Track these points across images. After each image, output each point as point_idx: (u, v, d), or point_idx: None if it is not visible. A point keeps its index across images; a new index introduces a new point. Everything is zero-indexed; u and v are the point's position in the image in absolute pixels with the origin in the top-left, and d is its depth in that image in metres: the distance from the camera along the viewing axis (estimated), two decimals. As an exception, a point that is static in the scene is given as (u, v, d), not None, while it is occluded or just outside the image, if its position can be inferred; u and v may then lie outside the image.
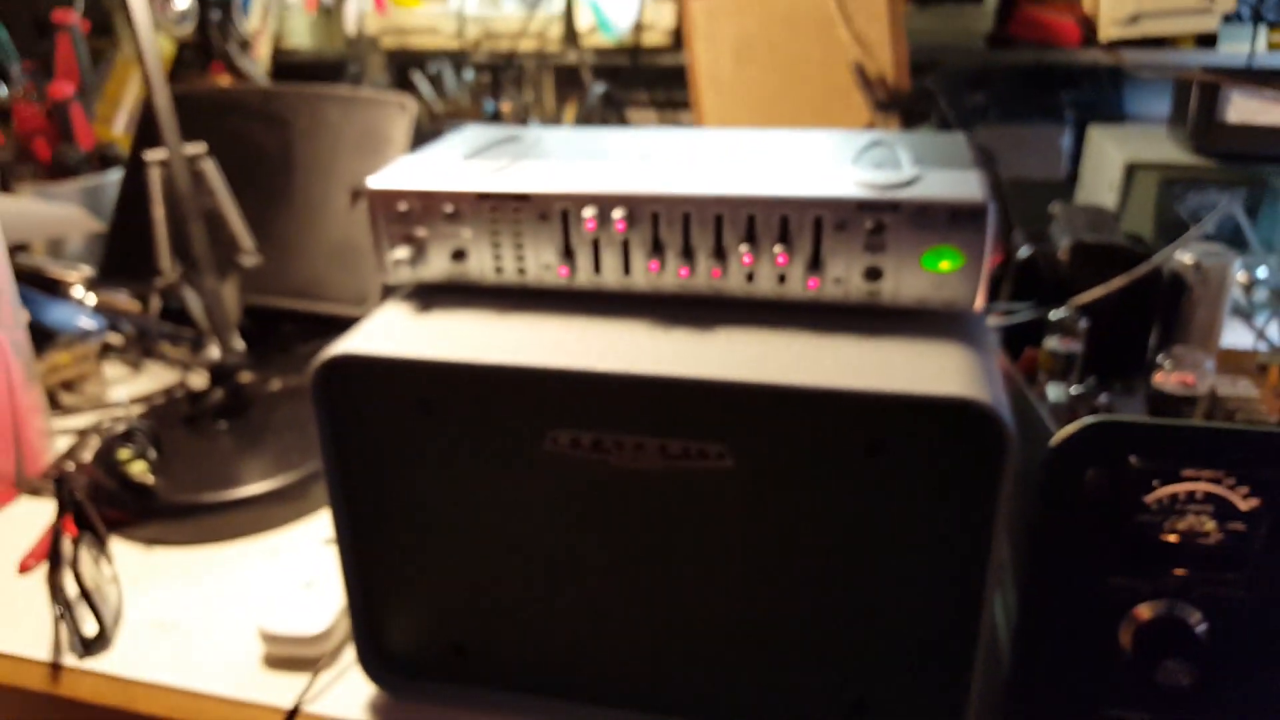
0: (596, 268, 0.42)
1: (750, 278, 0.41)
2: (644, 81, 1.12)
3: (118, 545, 0.60)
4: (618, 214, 0.40)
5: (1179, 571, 0.36)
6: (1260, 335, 0.69)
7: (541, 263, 0.43)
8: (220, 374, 0.68)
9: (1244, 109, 0.79)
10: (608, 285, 0.42)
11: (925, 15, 0.98)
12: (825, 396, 0.37)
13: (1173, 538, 0.36)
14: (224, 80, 1.01)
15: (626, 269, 0.42)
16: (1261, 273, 0.80)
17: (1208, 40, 0.97)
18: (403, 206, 0.42)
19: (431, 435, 0.42)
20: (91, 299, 0.84)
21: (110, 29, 1.20)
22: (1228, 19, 0.98)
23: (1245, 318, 0.77)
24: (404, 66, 1.15)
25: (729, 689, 0.44)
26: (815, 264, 0.40)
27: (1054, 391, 0.55)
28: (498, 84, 1.02)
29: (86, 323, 0.81)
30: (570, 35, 1.06)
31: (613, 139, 0.50)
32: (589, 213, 0.40)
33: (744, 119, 0.83)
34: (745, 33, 0.82)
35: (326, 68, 1.22)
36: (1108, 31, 0.96)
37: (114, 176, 0.94)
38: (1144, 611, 0.37)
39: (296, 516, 0.62)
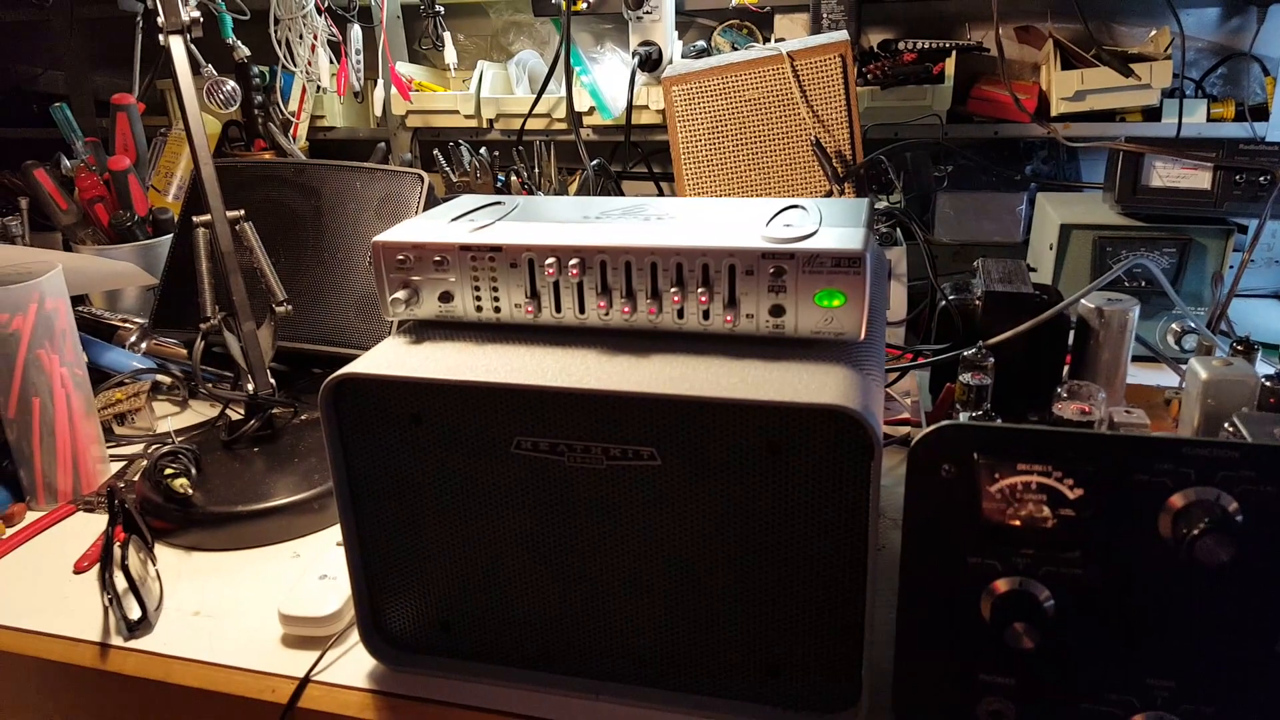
0: (557, 307, 0.52)
1: (680, 314, 0.50)
2: (638, 155, 1.24)
3: (162, 551, 0.69)
4: (573, 262, 0.50)
5: (1026, 551, 0.44)
6: (1184, 378, 0.77)
7: (513, 303, 0.52)
8: (255, 406, 0.78)
9: (1165, 174, 0.88)
10: (566, 322, 0.52)
11: (890, 95, 1.08)
12: (733, 406, 0.46)
13: (1016, 522, 0.44)
14: (265, 155, 1.13)
15: (581, 308, 0.51)
16: (1191, 324, 0.88)
17: (1153, 114, 1.07)
18: (401, 257, 0.52)
19: (420, 443, 0.51)
20: (143, 345, 0.95)
21: (164, 109, 1.34)
22: (1172, 94, 1.07)
23: (1174, 364, 0.84)
24: (428, 143, 1.27)
25: (666, 659, 0.52)
26: (731, 303, 0.49)
27: (964, 419, 0.63)
28: (509, 158, 1.13)
29: (138, 365, 0.92)
30: (573, 115, 1.18)
31: (577, 204, 0.60)
32: (549, 261, 0.50)
33: (717, 188, 0.94)
34: (718, 113, 0.93)
35: (359, 144, 1.36)
36: (1059, 107, 1.06)
37: (166, 239, 1.06)
38: (999, 587, 0.45)
39: (317, 527, 0.71)
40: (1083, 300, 0.70)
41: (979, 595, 0.46)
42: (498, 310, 0.53)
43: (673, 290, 0.49)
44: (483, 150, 1.12)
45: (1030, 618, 0.44)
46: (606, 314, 0.51)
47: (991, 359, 0.65)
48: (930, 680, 0.48)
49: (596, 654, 0.53)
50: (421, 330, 0.55)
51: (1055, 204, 0.98)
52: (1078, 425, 0.60)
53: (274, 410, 0.79)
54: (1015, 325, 0.68)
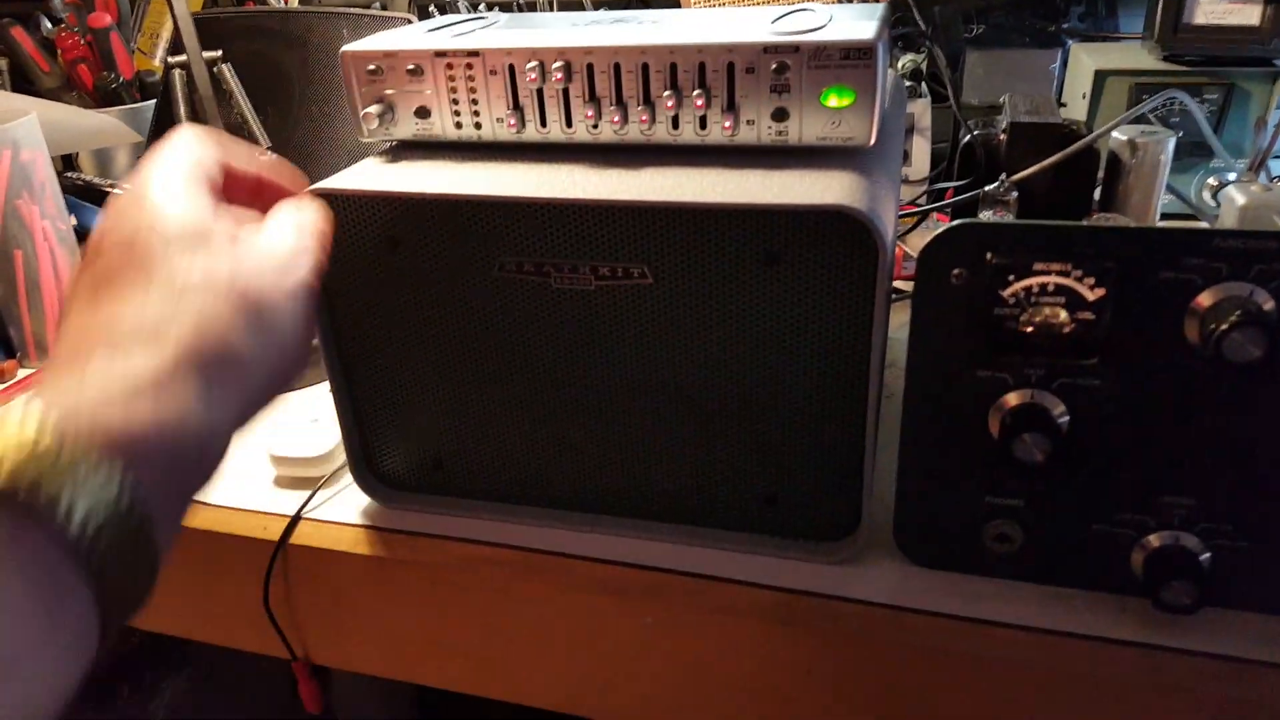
0: (542, 121, 0.48)
1: (674, 124, 0.46)
2: None
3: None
4: (556, 66, 0.46)
5: (1039, 362, 0.42)
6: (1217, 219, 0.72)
7: (494, 117, 0.49)
8: (243, 262, 0.76)
9: (1211, 10, 0.81)
10: (553, 137, 0.48)
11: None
12: (729, 213, 0.43)
13: (1030, 329, 0.41)
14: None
15: (568, 121, 0.48)
16: (1231, 176, 0.83)
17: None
18: (372, 67, 0.49)
19: (400, 268, 0.48)
20: (133, 209, 0.92)
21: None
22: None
23: (1211, 219, 0.80)
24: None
25: (661, 486, 0.50)
26: (730, 107, 0.45)
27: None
28: (507, 10, 1.08)
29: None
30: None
31: (565, 16, 0.56)
32: (531, 66, 0.46)
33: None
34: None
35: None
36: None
37: (153, 103, 1.02)
38: (1010, 400, 0.42)
39: (311, 380, 0.69)
40: (1114, 133, 0.66)
41: (987, 412, 0.43)
42: (479, 126, 0.49)
43: (666, 95, 0.45)
44: (481, 6, 1.06)
45: (1042, 432, 0.41)
46: (595, 126, 0.47)
47: (1015, 193, 0.61)
48: (934, 505, 0.46)
49: (591, 486, 0.52)
50: (399, 151, 0.51)
51: (1091, 53, 0.91)
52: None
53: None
54: (1042, 159, 0.64)
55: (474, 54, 0.47)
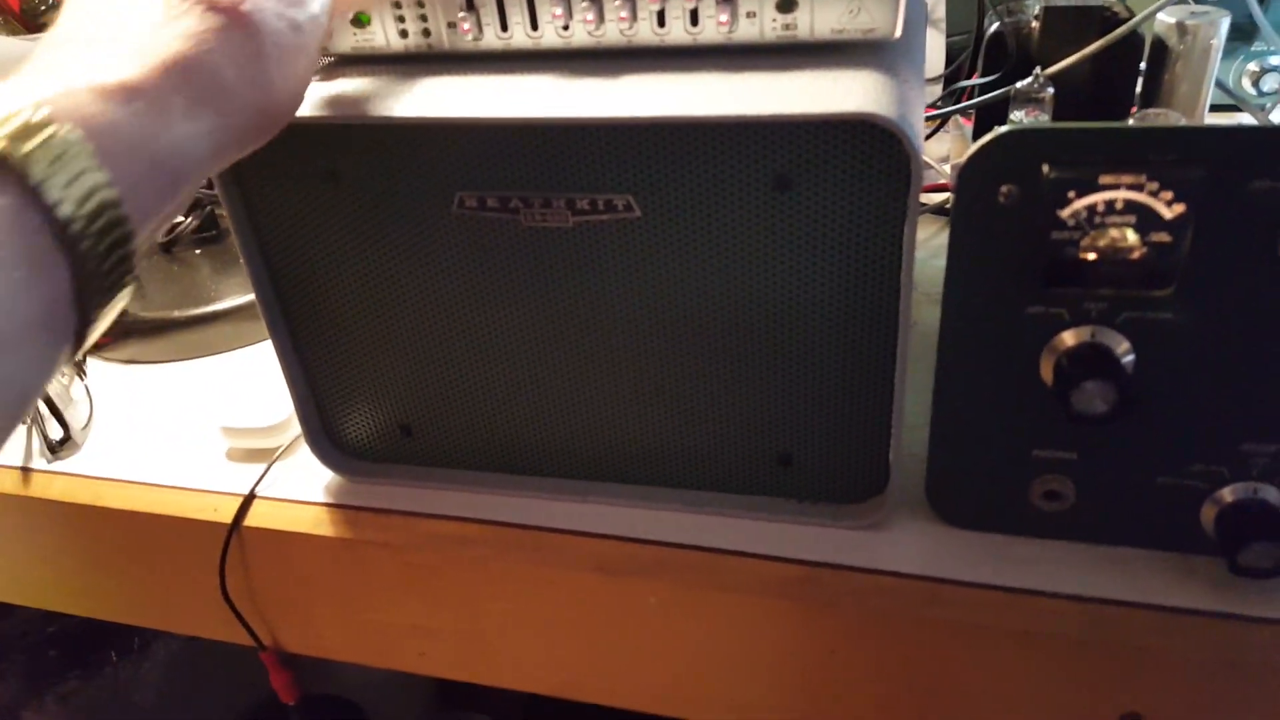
0: (503, 25, 0.40)
1: (660, 20, 0.39)
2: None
3: (97, 365, 0.61)
4: (516, -44, 0.38)
5: (1102, 294, 0.35)
6: (1265, 124, 0.65)
7: (445, 21, 0.41)
8: (192, 203, 0.68)
9: None
10: (516, 44, 0.41)
11: None
12: (728, 127, 0.35)
13: (1093, 255, 0.34)
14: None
15: (533, 23, 0.40)
16: (1274, 60, 0.75)
17: None
18: (299, -32, 0.41)
19: (342, 207, 0.41)
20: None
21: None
22: None
23: (1253, 108, 0.72)
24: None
25: (659, 451, 0.44)
26: (725, -3, 0.38)
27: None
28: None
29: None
30: None
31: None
32: (486, -43, 0.38)
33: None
34: None
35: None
36: None
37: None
38: (1066, 340, 0.36)
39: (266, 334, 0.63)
40: (1159, 15, 0.58)
41: (1039, 353, 0.37)
42: (427, 34, 0.41)
43: (647, -15, 0.38)
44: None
45: (1105, 376, 0.35)
46: (566, 28, 0.40)
47: (1051, 89, 0.53)
48: (972, 459, 0.40)
49: (581, 451, 0.45)
50: (335, 68, 0.44)
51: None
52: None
53: (216, 207, 0.69)
54: (1079, 48, 0.55)
55: (415, -56, 0.39)
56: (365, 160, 0.40)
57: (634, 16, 0.39)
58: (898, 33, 0.37)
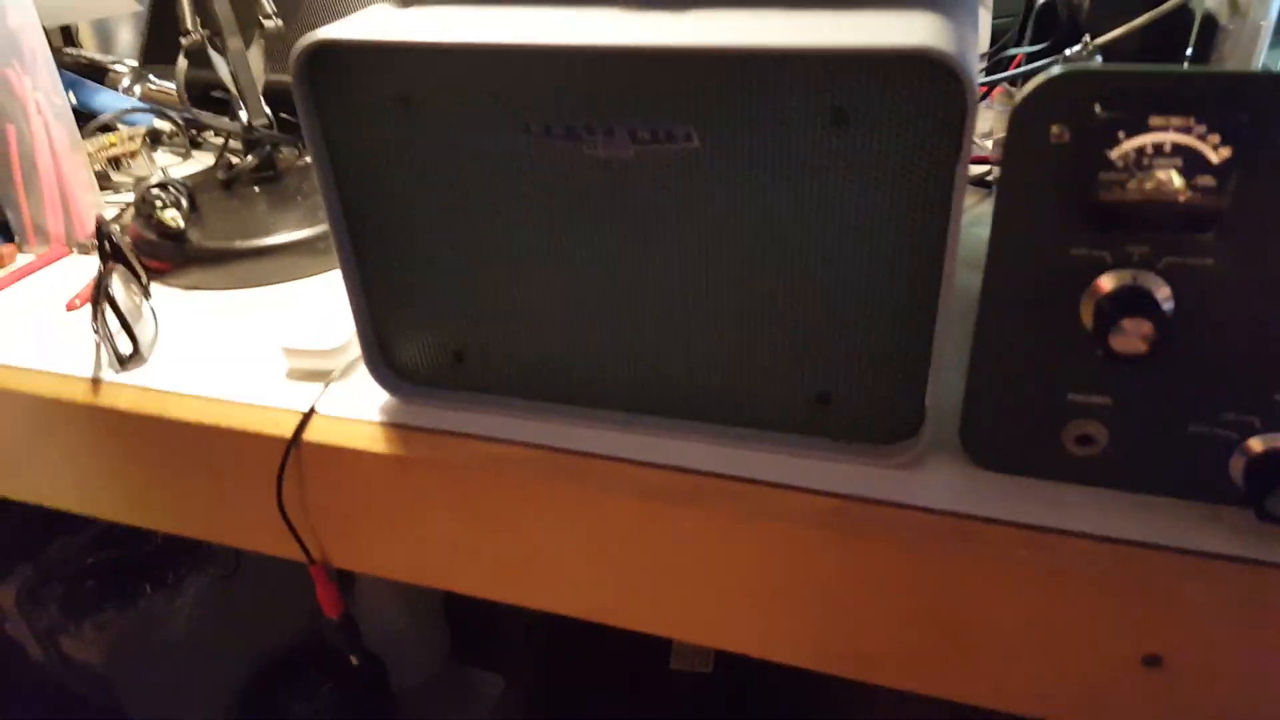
0: (574, -40, 0.42)
1: (726, -39, 0.40)
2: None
3: (161, 290, 0.64)
4: (591, -106, 0.40)
5: (1145, 238, 0.36)
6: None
7: (520, -44, 0.43)
8: (251, 142, 0.70)
9: None
10: (586, -21, 0.42)
11: None
12: (786, 59, 0.37)
13: (1139, 198, 0.35)
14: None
15: (604, -40, 0.42)
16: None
17: None
18: (382, -100, 0.43)
19: (413, 130, 0.43)
20: (137, 89, 0.87)
21: None
22: None
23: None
24: None
25: (704, 384, 0.46)
26: (791, -61, 0.39)
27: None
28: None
29: (130, 106, 0.84)
30: None
31: None
32: (562, -106, 0.40)
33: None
34: None
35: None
36: None
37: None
38: (1106, 284, 0.37)
39: (323, 268, 0.65)
40: (1212, -10, 0.58)
41: (1078, 297, 0.38)
42: (502, -31, 0.43)
43: (716, -74, 0.39)
44: None
45: (1144, 315, 0.36)
46: (634, -33, 0.41)
47: (1099, 59, 0.54)
48: (1007, 402, 0.41)
49: (627, 383, 0.47)
50: None
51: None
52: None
53: (275, 148, 0.72)
54: (1130, 20, 0.56)
55: (494, -121, 0.41)
56: (437, 85, 0.42)
57: (702, -44, 0.40)
58: (958, -22, 0.38)
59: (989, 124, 0.78)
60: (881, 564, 0.42)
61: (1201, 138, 0.34)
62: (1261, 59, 0.60)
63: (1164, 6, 0.55)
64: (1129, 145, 0.34)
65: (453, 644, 1.18)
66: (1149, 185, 0.35)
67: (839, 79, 0.36)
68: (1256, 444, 0.39)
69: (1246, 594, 0.38)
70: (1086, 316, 0.38)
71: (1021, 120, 0.35)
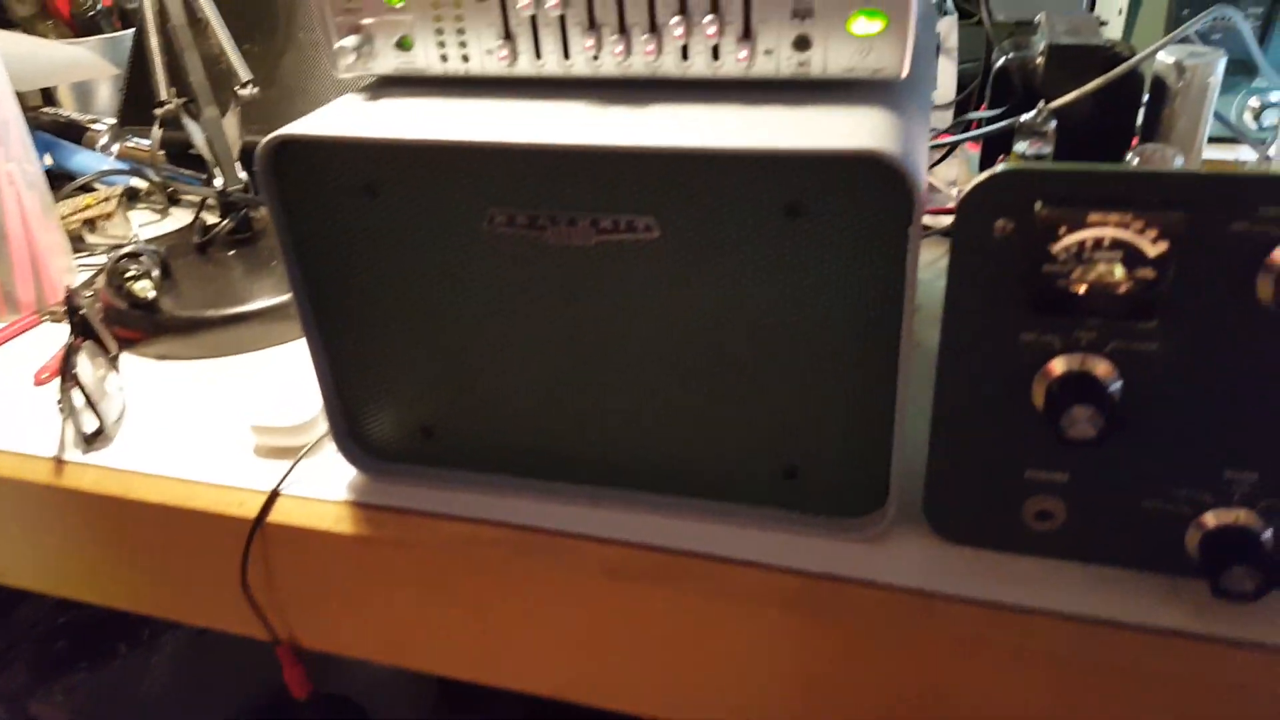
0: (537, 52, 0.43)
1: (684, 54, 0.41)
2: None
3: (131, 361, 0.64)
4: (551, -11, 0.41)
5: (1091, 324, 0.37)
6: (1264, 157, 0.67)
7: (484, 48, 0.43)
8: (227, 205, 0.71)
9: (1268, -83, 0.74)
10: (549, 71, 0.43)
11: None
12: (744, 158, 0.38)
13: (1082, 288, 0.36)
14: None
15: (566, 53, 0.43)
16: (1274, 96, 0.77)
17: None
18: (347, -6, 0.44)
19: (378, 219, 0.44)
20: (115, 147, 0.88)
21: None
22: None
23: (1254, 142, 0.74)
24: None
25: (670, 459, 0.46)
26: (746, 35, 0.40)
27: (1016, 191, 0.55)
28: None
29: (110, 167, 0.84)
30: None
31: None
32: (523, -10, 0.41)
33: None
34: None
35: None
36: None
37: (132, 31, 0.96)
38: (1056, 367, 0.38)
39: (296, 334, 0.65)
40: (1159, 54, 0.60)
41: (1031, 379, 0.39)
42: (466, 59, 0.44)
43: (675, 22, 0.40)
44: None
45: (1093, 402, 0.37)
46: (596, 58, 0.42)
47: (1054, 123, 0.56)
48: (969, 478, 0.42)
49: (594, 459, 0.48)
50: (379, 87, 0.46)
51: (1128, -39, 0.85)
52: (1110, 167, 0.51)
53: (251, 210, 0.72)
54: (1082, 84, 0.58)
55: (457, -24, 0.42)
56: (403, 177, 0.42)
57: (659, 50, 0.41)
58: (905, 72, 0.39)
59: (954, 172, 0.79)
60: (849, 642, 0.42)
61: (1139, 233, 0.35)
62: (1210, 114, 0.62)
63: (1114, 72, 0.57)
64: (1070, 240, 0.35)
65: (439, 692, 1.17)
66: (1091, 276, 0.36)
67: (792, 177, 0.37)
68: (1210, 519, 0.40)
69: (1203, 670, 0.38)
70: (1039, 398, 0.39)
71: (967, 214, 0.36)
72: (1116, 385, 0.38)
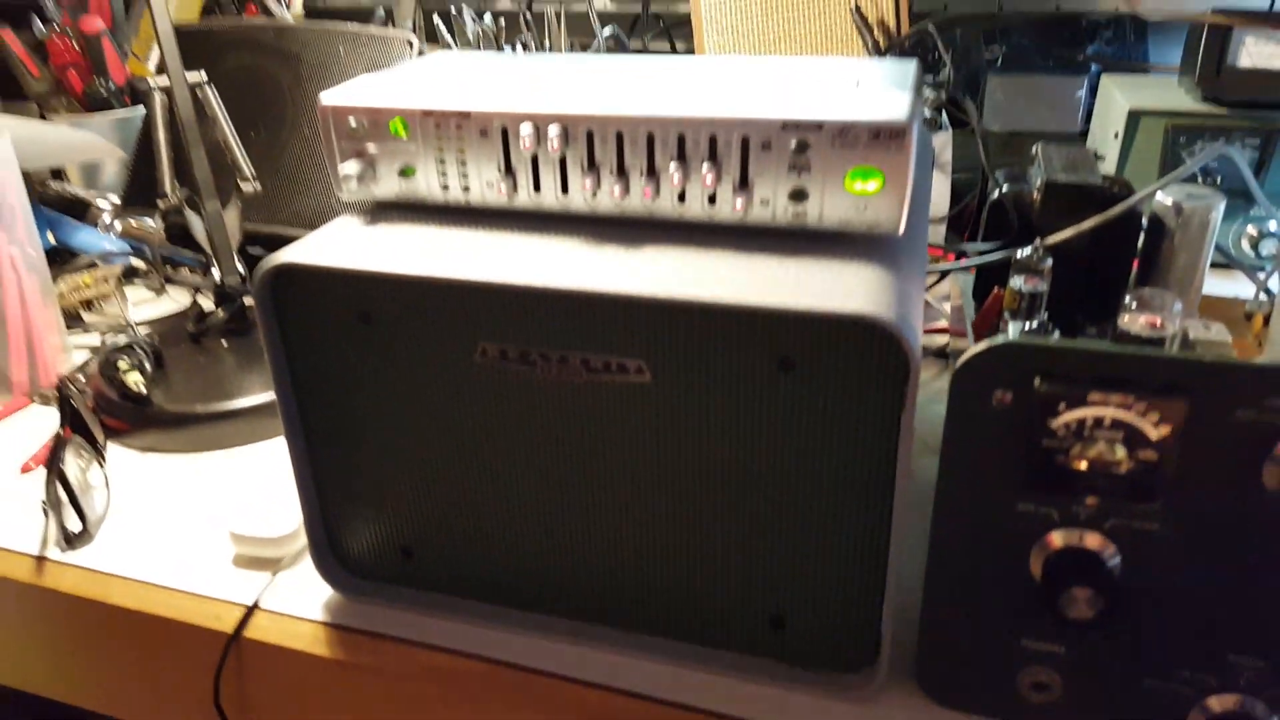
0: (536, 187, 0.43)
1: (681, 198, 0.41)
2: (656, 29, 1.11)
3: (118, 452, 0.63)
4: (554, 132, 0.41)
5: (1090, 500, 0.36)
6: (1263, 288, 0.67)
7: (484, 180, 0.43)
8: (223, 295, 0.71)
9: (1257, 53, 0.75)
10: (547, 205, 0.43)
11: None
12: (737, 313, 0.37)
13: (1081, 465, 0.35)
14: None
15: (564, 188, 0.42)
16: (1272, 225, 0.77)
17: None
18: (353, 122, 0.44)
19: (371, 345, 0.43)
20: (117, 226, 0.88)
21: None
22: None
23: (1251, 272, 0.74)
24: (430, 12, 1.16)
25: (653, 599, 0.45)
26: (743, 185, 0.40)
27: (1014, 330, 0.54)
28: (517, 28, 1.02)
29: (110, 247, 0.85)
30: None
31: (575, 60, 0.50)
32: (526, 130, 0.41)
33: (746, 58, 0.83)
34: (748, -30, 0.81)
35: (360, 13, 1.24)
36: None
37: (142, 109, 0.97)
38: (1054, 540, 0.37)
39: (275, 433, 0.64)
40: (1157, 195, 0.60)
41: (1029, 549, 0.38)
42: (467, 190, 0.44)
43: (673, 169, 0.40)
44: (487, 17, 1.01)
45: (1091, 579, 0.36)
46: (594, 196, 0.42)
47: (1050, 261, 0.55)
48: (963, 644, 0.41)
49: (576, 592, 0.46)
50: (379, 211, 0.46)
51: (1123, 88, 0.85)
52: (1147, 340, 0.51)
53: (246, 301, 0.72)
54: (1079, 221, 0.58)
55: (464, 115, 0.42)
56: (397, 307, 0.42)
57: (657, 193, 0.41)
58: (901, 230, 0.39)
59: (947, 288, 0.79)
60: (830, 806, 0.41)
61: (1141, 415, 0.34)
62: (1209, 254, 0.62)
63: (1112, 210, 0.57)
64: (1070, 416, 0.35)
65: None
66: (1091, 453, 0.35)
67: (785, 332, 0.37)
68: (1215, 703, 0.38)
69: None
70: (1036, 569, 0.38)
71: (963, 383, 0.36)
72: (1116, 560, 0.37)
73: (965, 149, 0.86)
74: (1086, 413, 0.34)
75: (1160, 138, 0.78)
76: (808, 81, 0.43)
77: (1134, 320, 0.51)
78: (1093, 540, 0.36)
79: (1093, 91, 0.95)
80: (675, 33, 1.11)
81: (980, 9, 0.94)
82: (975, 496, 0.37)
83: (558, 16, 1.01)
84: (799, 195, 0.39)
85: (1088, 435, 0.35)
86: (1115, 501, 0.36)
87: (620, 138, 0.40)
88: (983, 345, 0.35)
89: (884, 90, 0.40)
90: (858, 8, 0.78)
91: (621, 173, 0.41)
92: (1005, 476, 0.37)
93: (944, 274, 0.71)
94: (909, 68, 0.45)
